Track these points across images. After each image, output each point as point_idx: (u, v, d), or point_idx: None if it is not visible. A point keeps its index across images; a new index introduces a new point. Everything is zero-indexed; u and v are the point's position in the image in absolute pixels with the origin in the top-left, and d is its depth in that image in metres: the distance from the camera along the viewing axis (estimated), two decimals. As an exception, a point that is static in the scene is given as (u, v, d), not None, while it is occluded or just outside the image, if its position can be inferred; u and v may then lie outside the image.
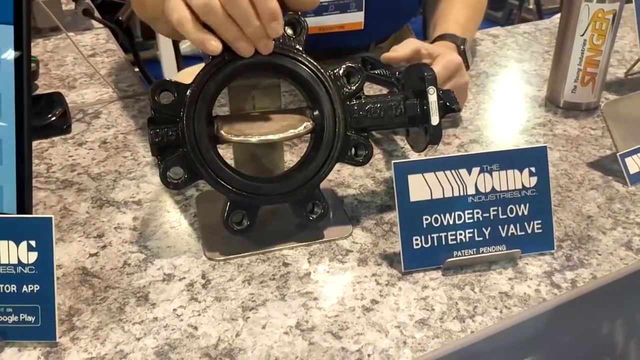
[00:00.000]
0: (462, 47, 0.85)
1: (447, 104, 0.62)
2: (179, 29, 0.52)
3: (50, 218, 0.49)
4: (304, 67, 0.57)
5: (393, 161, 0.56)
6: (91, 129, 0.82)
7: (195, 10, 0.51)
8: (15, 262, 0.49)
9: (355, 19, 0.94)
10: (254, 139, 0.56)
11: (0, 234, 0.49)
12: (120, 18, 1.53)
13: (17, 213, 0.60)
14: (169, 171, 0.56)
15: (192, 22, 0.51)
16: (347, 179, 0.71)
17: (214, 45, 0.52)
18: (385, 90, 0.80)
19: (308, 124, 0.58)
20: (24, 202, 0.60)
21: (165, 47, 2.37)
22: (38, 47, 1.09)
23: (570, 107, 0.86)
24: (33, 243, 0.49)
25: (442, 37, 0.87)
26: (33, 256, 0.49)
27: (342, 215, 0.65)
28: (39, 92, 0.92)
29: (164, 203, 0.67)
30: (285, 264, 0.58)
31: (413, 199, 0.56)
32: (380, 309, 0.53)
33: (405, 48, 0.81)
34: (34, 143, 0.78)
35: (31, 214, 0.60)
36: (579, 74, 0.83)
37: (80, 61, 1.02)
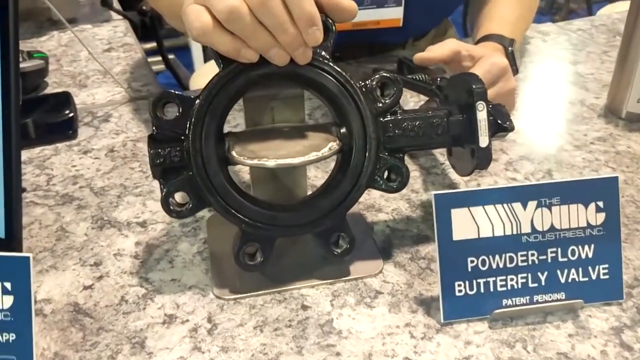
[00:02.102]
0: (509, 49, 0.76)
1: (499, 121, 0.53)
2: (202, 39, 0.45)
3: (28, 257, 0.42)
4: (330, 77, 0.49)
5: (433, 192, 0.47)
6: (99, 135, 0.75)
7: (219, 17, 0.43)
8: (-12, 307, 0.42)
9: (393, 14, 0.84)
10: (271, 163, 0.48)
11: (-29, 274, 0.42)
12: (144, 7, 1.47)
13: (5, 237, 0.53)
14: (172, 197, 0.48)
15: (218, 30, 0.44)
16: (378, 200, 0.62)
17: (251, 54, 0.45)
18: (423, 99, 0.71)
19: (334, 145, 0.50)
20: (12, 224, 0.53)
21: (194, 35, 2.31)
22: (52, 41, 1.02)
23: (635, 118, 0.76)
24: (8, 285, 0.42)
25: (487, 38, 0.77)
26: (8, 300, 0.42)
27: (372, 246, 0.56)
28: (48, 90, 0.86)
29: (170, 226, 0.59)
30: (305, 307, 0.50)
31: (457, 237, 0.48)
32: (414, 370, 0.45)
33: (442, 48, 0.71)
34: (36, 150, 0.72)
35: (21, 238, 0.54)
36: (647, 82, 0.72)
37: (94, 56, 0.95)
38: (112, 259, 0.55)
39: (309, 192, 0.61)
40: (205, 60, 1.76)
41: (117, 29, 1.07)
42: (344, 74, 0.49)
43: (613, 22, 1.06)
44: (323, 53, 0.49)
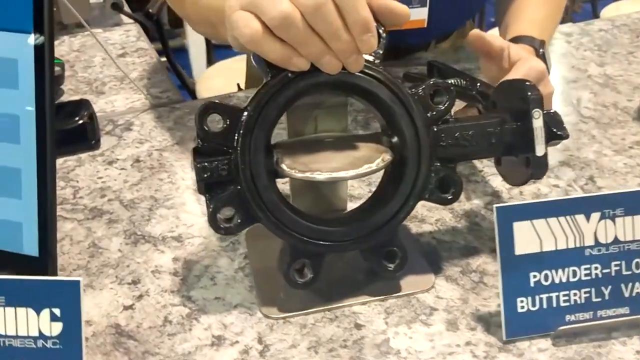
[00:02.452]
0: (540, 50, 0.74)
1: (553, 129, 0.51)
2: (251, 46, 0.43)
3: (78, 282, 0.39)
4: (382, 85, 0.47)
5: (495, 206, 0.45)
6: (122, 144, 0.72)
7: (270, 24, 0.41)
8: (36, 334, 0.40)
9: (418, 15, 0.82)
10: (322, 177, 0.46)
11: (18, 300, 0.39)
12: (150, 10, 1.44)
13: (39, 254, 0.51)
14: (219, 213, 0.46)
15: (269, 37, 0.42)
16: (420, 210, 0.60)
17: (302, 62, 0.43)
18: (459, 104, 0.69)
19: (386, 156, 0.48)
20: (47, 241, 0.51)
21: (194, 36, 2.28)
22: (63, 46, 0.99)
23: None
24: (57, 311, 0.40)
25: (517, 40, 0.75)
26: (57, 327, 0.40)
27: (420, 260, 0.54)
28: (64, 98, 0.83)
29: (208, 240, 0.57)
30: (358, 326, 0.48)
31: (519, 252, 0.46)
32: (481, 392, 0.43)
33: (495, 39, 0.68)
34: (59, 161, 0.69)
35: (55, 256, 0.51)
36: (687, 85, 0.71)
37: (109, 62, 0.93)
38: (150, 277, 0.53)
39: (348, 203, 0.59)
40: (208, 64, 1.73)
41: (129, 33, 1.04)
42: (396, 81, 0.47)
43: (634, 22, 1.04)
44: (373, 60, 0.47)
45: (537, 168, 0.49)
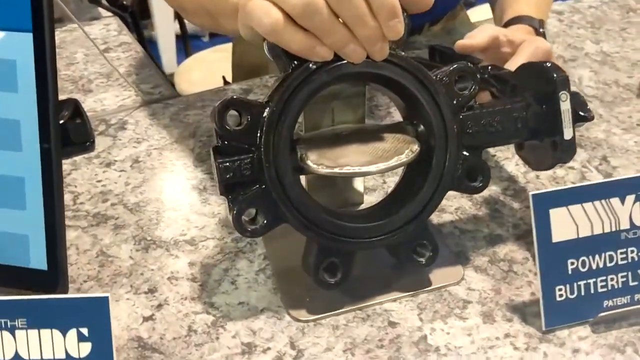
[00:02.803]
0: (541, 30, 0.73)
1: (579, 111, 0.50)
2: (272, 36, 0.41)
3: (106, 298, 0.37)
4: (407, 72, 0.45)
5: (531, 193, 0.44)
6: (118, 144, 0.69)
7: (292, 12, 0.39)
8: (63, 356, 0.37)
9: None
10: (354, 170, 0.44)
11: (41, 321, 0.37)
12: (124, 2, 1.39)
13: (48, 268, 0.48)
14: (244, 214, 0.44)
15: (290, 26, 0.39)
16: (438, 200, 0.59)
17: (326, 52, 0.41)
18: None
19: (414, 146, 0.46)
20: (56, 253, 0.48)
21: (163, 27, 2.22)
22: (41, 43, 0.94)
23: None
24: (85, 331, 0.37)
25: (515, 20, 0.74)
26: (86, 348, 0.37)
27: (447, 251, 0.53)
28: (49, 98, 0.79)
29: (223, 242, 0.55)
30: (392, 324, 0.46)
31: (556, 239, 0.44)
32: (528, 386, 0.42)
33: (482, 34, 0.68)
34: (53, 166, 0.65)
35: (66, 269, 0.48)
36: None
37: (92, 58, 0.89)
38: (167, 284, 0.50)
39: (365, 196, 0.57)
40: (185, 56, 1.68)
41: (109, 27, 1.00)
42: (421, 68, 0.45)
43: (622, -2, 1.04)
44: (395, 47, 0.45)
45: (565, 152, 0.48)
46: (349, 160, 0.45)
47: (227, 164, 0.43)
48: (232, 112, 0.43)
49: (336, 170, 0.44)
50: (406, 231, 0.46)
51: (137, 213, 0.59)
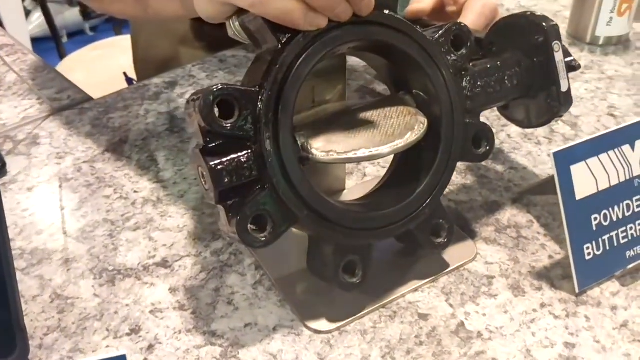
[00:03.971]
0: None
1: (566, 60, 0.48)
2: (257, 7, 0.35)
3: (124, 356, 0.29)
4: (404, 35, 0.40)
5: (553, 151, 0.41)
6: (36, 163, 0.58)
7: None
8: None
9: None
10: (371, 152, 0.38)
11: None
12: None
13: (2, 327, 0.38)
14: (249, 222, 0.37)
15: None
16: (419, 174, 0.55)
17: (320, 18, 0.37)
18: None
19: (421, 118, 0.41)
20: (9, 310, 0.38)
21: (13, 29, 1.99)
22: None
23: (603, 42, 0.75)
24: (100, 404, 0.29)
25: None
26: None
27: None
28: None
29: (201, 257, 0.47)
30: (423, 316, 0.42)
31: (579, 196, 0.42)
32: (585, 354, 0.39)
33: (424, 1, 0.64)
34: (-39, 200, 0.53)
35: (24, 326, 0.38)
36: (616, 2, 0.72)
37: (-31, 67, 0.75)
38: (152, 319, 0.42)
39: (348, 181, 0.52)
40: (60, 57, 1.51)
41: (-20, 30, 0.85)
42: (418, 31, 0.40)
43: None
44: (387, 12, 0.40)
45: (563, 105, 0.46)
46: (359, 142, 0.39)
47: (223, 165, 0.36)
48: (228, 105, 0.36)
49: (351, 155, 0.38)
50: (423, 213, 0.42)
51: (86, 240, 0.49)
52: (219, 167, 0.36)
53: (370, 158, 0.38)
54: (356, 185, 0.53)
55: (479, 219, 0.50)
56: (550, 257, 0.46)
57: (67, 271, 0.46)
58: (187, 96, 0.67)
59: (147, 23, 0.84)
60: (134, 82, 0.81)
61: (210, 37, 0.81)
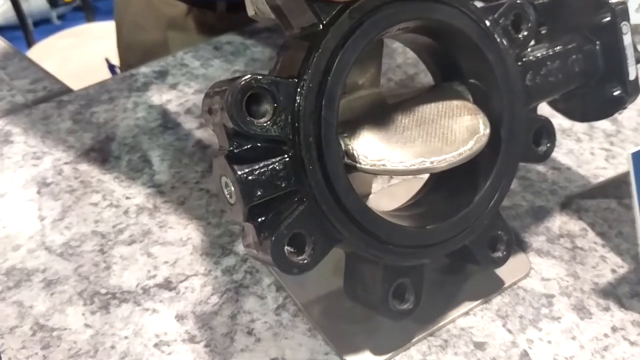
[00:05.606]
0: None
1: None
2: None
3: None
4: (463, 14, 0.34)
5: (630, 151, 0.35)
6: (9, 165, 0.50)
7: None
8: None
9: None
10: (429, 164, 0.32)
11: None
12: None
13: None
14: (287, 244, 0.30)
15: None
16: (452, 175, 0.49)
17: None
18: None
19: (482, 117, 0.35)
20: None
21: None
22: None
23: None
24: None
25: None
26: None
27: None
28: None
29: (211, 277, 0.40)
30: (479, 345, 0.36)
31: (657, 203, 0.36)
32: (674, 390, 0.33)
33: None
34: None
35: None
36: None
37: None
38: (157, 355, 0.35)
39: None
40: (28, 46, 1.40)
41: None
42: (476, 8, 0.34)
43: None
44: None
45: (631, 94, 0.40)
46: (415, 149, 0.32)
47: (254, 175, 0.29)
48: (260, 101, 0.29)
49: (408, 166, 0.31)
50: (482, 224, 0.36)
51: (72, 257, 0.41)
52: (249, 177, 0.29)
53: (429, 170, 0.32)
54: (382, 190, 0.47)
55: (527, 227, 0.44)
56: (614, 271, 0.40)
57: (51, 295, 0.39)
58: (180, 87, 0.60)
59: (133, 2, 0.76)
60: (117, 70, 0.73)
61: (200, 20, 0.74)
